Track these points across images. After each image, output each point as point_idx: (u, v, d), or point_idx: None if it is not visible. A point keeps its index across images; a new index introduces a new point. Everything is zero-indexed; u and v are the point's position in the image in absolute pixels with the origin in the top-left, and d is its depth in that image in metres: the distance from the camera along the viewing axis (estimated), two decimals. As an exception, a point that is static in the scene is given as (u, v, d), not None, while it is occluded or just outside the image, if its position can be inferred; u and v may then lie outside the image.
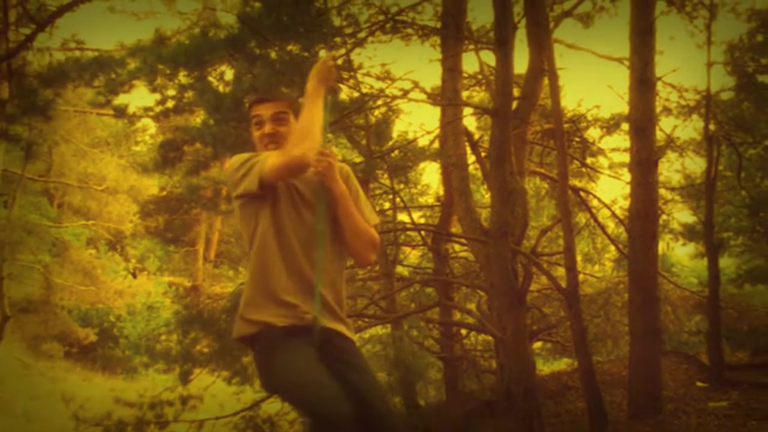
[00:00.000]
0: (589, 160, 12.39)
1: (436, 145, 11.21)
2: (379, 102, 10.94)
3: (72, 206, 25.01)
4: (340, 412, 2.46)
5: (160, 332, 16.65)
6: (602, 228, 11.60)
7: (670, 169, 13.76)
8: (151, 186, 22.31)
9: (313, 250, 2.78)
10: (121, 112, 11.31)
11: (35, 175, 21.02)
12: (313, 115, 2.78)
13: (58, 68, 9.08)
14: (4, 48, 9.46)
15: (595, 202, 11.70)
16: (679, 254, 19.48)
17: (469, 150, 10.27)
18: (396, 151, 11.74)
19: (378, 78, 11.16)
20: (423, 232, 12.25)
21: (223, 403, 9.31)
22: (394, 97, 10.71)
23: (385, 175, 12.28)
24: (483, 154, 10.37)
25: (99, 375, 21.29)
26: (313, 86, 2.86)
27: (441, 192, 13.30)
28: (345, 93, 10.00)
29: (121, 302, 21.55)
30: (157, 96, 9.98)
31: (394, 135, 12.81)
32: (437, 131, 10.80)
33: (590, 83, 29.16)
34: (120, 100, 10.68)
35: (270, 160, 2.73)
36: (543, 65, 8.99)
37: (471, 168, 11.00)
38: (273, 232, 2.78)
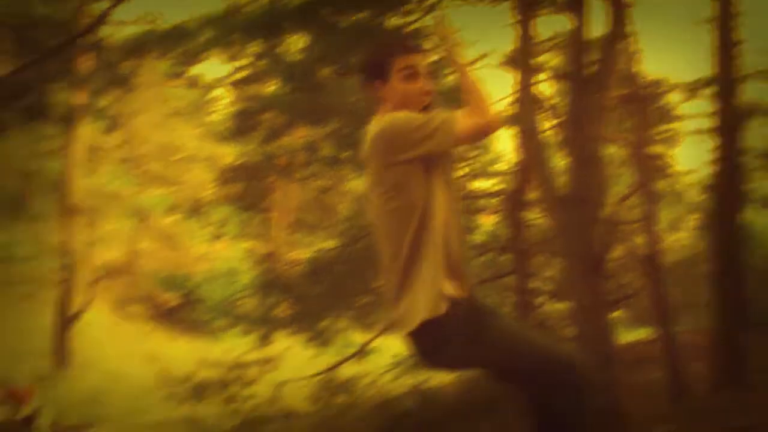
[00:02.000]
0: (669, 126, 12.14)
1: (511, 111, 11.12)
2: (452, 68, 10.87)
3: (152, 174, 25.64)
4: (580, 354, 2.45)
5: (239, 296, 17.09)
6: (683, 195, 11.39)
7: (755, 136, 13.35)
8: (228, 154, 22.64)
9: (456, 215, 2.69)
10: (195, 83, 11.52)
11: (116, 144, 21.61)
12: (474, 76, 2.65)
13: (137, 41, 9.30)
14: (85, 23, 9.69)
15: (675, 169, 11.48)
16: (765, 223, 18.97)
17: (545, 116, 10.17)
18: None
19: (451, 43, 11.08)
20: (498, 199, 12.20)
21: (301, 365, 9.53)
22: (468, 63, 10.65)
23: (460, 142, 12.24)
24: (560, 120, 10.25)
25: (182, 337, 21.92)
26: (454, 51, 2.72)
27: (516, 159, 13.21)
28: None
29: (202, 267, 22.11)
30: (231, 66, 10.15)
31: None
32: (512, 97, 10.72)
33: (670, 47, 28.24)
34: (195, 70, 10.88)
35: (463, 120, 2.55)
36: (621, 28, 8.82)
37: (548, 134, 10.90)
38: (446, 200, 2.65)
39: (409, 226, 2.57)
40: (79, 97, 15.89)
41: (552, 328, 11.63)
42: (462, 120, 2.55)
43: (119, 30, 16.35)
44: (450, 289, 2.56)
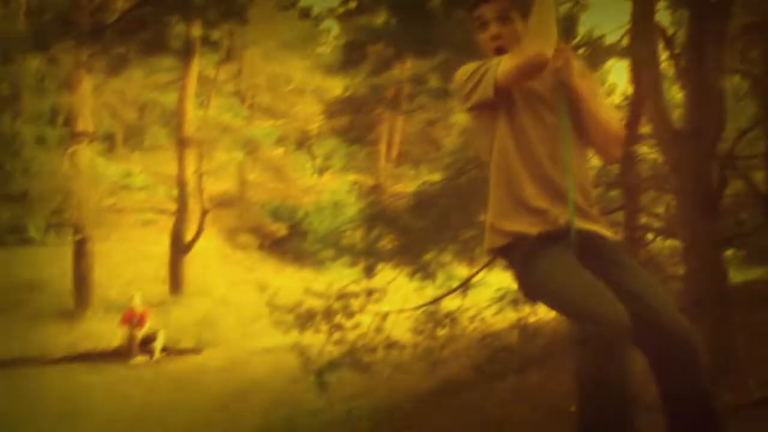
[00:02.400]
0: (795, 55, 11.41)
1: (626, 41, 10.68)
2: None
3: (262, 106, 26.09)
4: (619, 314, 2.26)
5: (345, 228, 17.29)
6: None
7: None
8: (336, 86, 22.76)
9: (557, 151, 2.62)
10: (306, 14, 11.52)
11: (228, 77, 22.00)
12: (545, 9, 2.53)
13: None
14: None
15: (800, 101, 10.82)
16: None
17: (661, 46, 9.71)
18: (582, 49, 11.31)
19: (564, -29, 10.70)
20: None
21: (405, 297, 9.61)
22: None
23: (571, 74, 11.88)
24: (677, 51, 9.79)
25: (290, 266, 22.47)
26: None
27: (629, 91, 12.74)
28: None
29: (309, 199, 22.50)
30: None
31: (580, 32, 12.29)
32: (627, 26, 10.27)
33: (801, -30, 26.39)
34: (305, 1, 10.87)
35: (503, 64, 2.54)
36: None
37: (663, 65, 10.43)
38: (513, 139, 2.63)
39: (486, 165, 2.75)
40: (195, 30, 16.18)
41: (661, 266, 11.33)
42: (504, 64, 2.53)
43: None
44: (512, 224, 2.60)
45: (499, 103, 2.62)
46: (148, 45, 8.86)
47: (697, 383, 2.47)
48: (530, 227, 2.57)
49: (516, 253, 2.60)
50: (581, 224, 2.58)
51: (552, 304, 2.62)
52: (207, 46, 13.40)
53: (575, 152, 2.66)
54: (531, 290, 2.63)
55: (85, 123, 16.24)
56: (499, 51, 2.68)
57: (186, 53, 11.11)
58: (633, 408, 2.35)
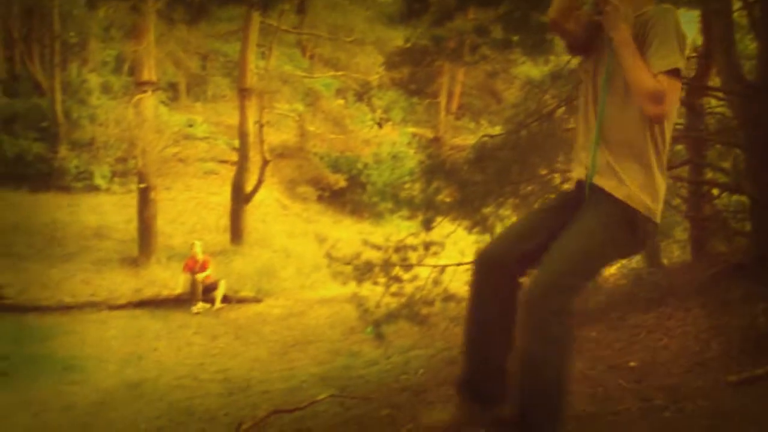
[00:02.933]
0: None
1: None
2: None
3: (322, 57, 26.02)
4: (486, 251, 2.85)
5: (404, 180, 17.24)
6: None
7: None
8: (397, 37, 22.49)
9: (591, 105, 2.73)
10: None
11: (289, 27, 21.93)
12: (630, 66, 2.55)
13: None
14: None
15: None
16: None
17: (734, -5, 9.36)
18: (651, -1, 10.99)
19: None
20: (676, 86, 11.52)
21: (463, 251, 9.57)
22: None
23: (637, 24, 11.56)
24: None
25: (348, 218, 22.60)
26: (618, 36, 2.58)
27: (699, 42, 12.35)
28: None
29: (368, 151, 22.46)
30: (404, -55, 9.87)
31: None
32: (699, -25, 9.91)
33: None
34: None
35: None
36: None
37: (736, 15, 10.06)
38: (583, 87, 2.81)
39: None
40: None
41: (726, 221, 11.07)
42: None
43: None
44: (572, 170, 2.83)
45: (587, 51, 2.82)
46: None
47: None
48: (575, 173, 2.82)
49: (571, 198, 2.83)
50: (597, 179, 2.67)
51: None
52: None
53: (623, 106, 2.65)
54: None
55: (149, 72, 16.41)
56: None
57: (263, 4, 11.07)
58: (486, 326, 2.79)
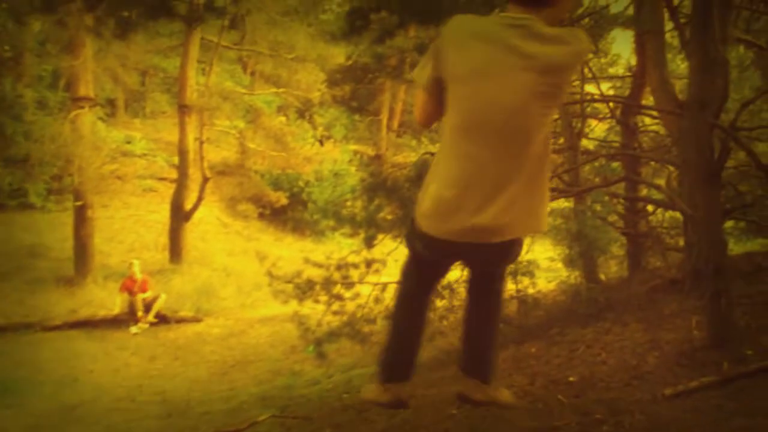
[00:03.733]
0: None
1: (631, 11, 10.57)
2: (572, -34, 10.37)
3: (264, 74, 25.91)
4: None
5: (346, 198, 17.24)
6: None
7: None
8: (338, 55, 22.58)
9: None
10: (311, -20, 11.37)
11: (230, 43, 21.81)
12: None
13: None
14: None
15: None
16: None
17: (666, 16, 9.60)
18: (586, 19, 11.20)
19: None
20: (611, 104, 11.75)
21: (404, 269, 9.57)
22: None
23: (575, 45, 11.78)
24: (682, 21, 9.69)
25: (289, 236, 22.49)
26: None
27: (633, 62, 12.65)
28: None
29: (310, 168, 22.41)
30: (346, -38, 9.94)
31: (586, 1, 12.16)
32: (633, -4, 10.16)
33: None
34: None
35: None
36: None
37: (668, 36, 10.33)
38: None
39: (546, 145, 2.78)
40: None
41: (661, 237, 11.31)
42: None
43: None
44: None
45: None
46: (154, 10, 8.71)
47: None
48: None
49: None
50: None
51: None
52: (211, 12, 13.17)
53: None
54: None
55: (86, 88, 16.15)
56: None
57: (192, 19, 10.92)
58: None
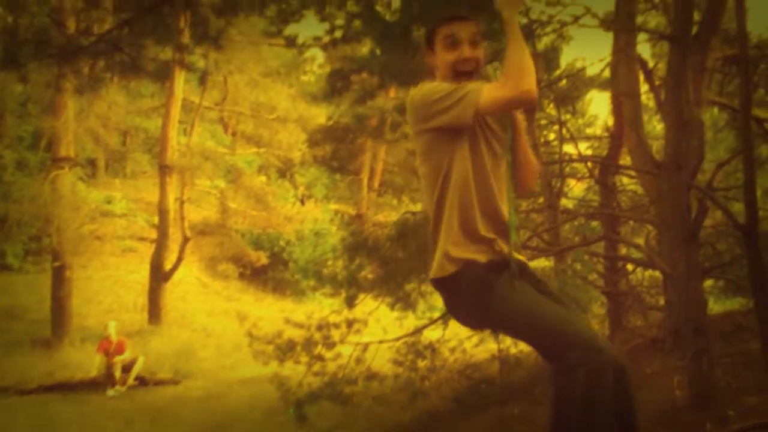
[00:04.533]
0: (774, 90, 11.51)
1: (607, 73, 10.78)
2: (548, 29, 10.58)
3: (245, 134, 26.08)
4: (603, 341, 2.48)
5: (326, 257, 17.21)
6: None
7: None
8: (319, 115, 22.81)
9: (503, 183, 2.70)
10: (291, 42, 11.53)
11: (211, 103, 21.98)
12: (524, 47, 2.57)
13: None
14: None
15: (779, 135, 10.88)
16: None
17: (642, 78, 9.79)
18: (564, 80, 11.40)
19: (548, 4, 10.77)
20: (590, 164, 11.88)
21: (386, 328, 9.54)
22: (564, 24, 10.31)
23: (552, 105, 11.97)
24: (657, 83, 9.87)
25: (270, 296, 22.35)
26: (509, 14, 2.62)
27: (610, 123, 12.82)
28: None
29: (290, 228, 22.41)
30: (326, 25, 10.07)
31: (563, 63, 12.39)
32: (608, 59, 10.35)
33: (779, 6, 26.81)
34: (291, 30, 10.86)
35: (490, 92, 2.52)
36: (728, -14, 8.37)
37: (644, 97, 10.52)
38: (471, 167, 2.66)
39: (434, 191, 2.68)
40: (177, 55, 16.19)
41: (641, 296, 11.33)
42: (489, 92, 2.52)
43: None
44: (463, 252, 2.62)
45: (464, 130, 2.63)
46: (124, 68, 8.81)
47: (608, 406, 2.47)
48: (479, 255, 2.63)
49: (464, 281, 2.63)
50: (516, 254, 2.67)
51: (522, 332, 2.73)
52: (189, 71, 13.29)
53: (510, 184, 2.74)
54: (491, 318, 2.70)
55: (67, 148, 16.15)
56: (464, 75, 2.68)
57: (164, 76, 11.01)
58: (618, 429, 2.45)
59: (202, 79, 19.31)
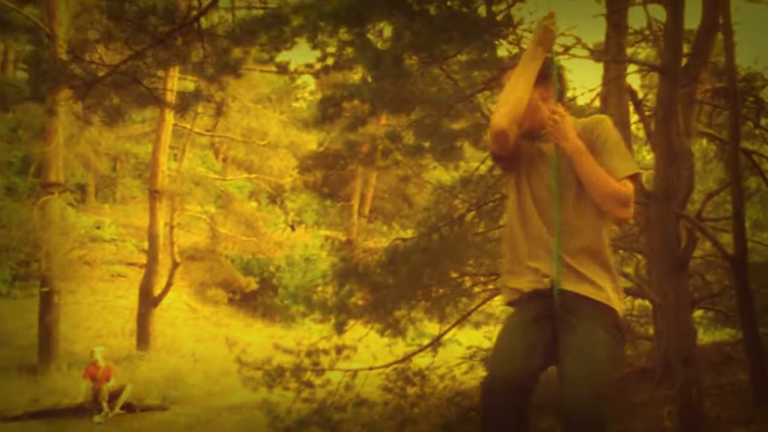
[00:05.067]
0: (763, 122, 11.61)
1: (597, 103, 10.85)
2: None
3: (236, 160, 26.12)
4: (503, 371, 2.58)
5: (316, 283, 17.18)
6: (774, 194, 10.90)
7: None
8: (310, 141, 22.88)
9: (551, 209, 2.71)
10: (283, 69, 11.60)
11: (202, 130, 22.01)
12: (520, 80, 2.68)
13: (246, 27, 9.34)
14: (186, 6, 9.74)
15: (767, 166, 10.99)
16: None
17: (632, 109, 9.88)
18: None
19: (538, 34, 10.88)
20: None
21: (375, 354, 9.52)
22: (555, 54, 10.39)
23: (543, 134, 12.04)
24: (647, 114, 9.96)
25: (259, 321, 22.26)
26: (531, 49, 2.76)
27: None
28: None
29: (281, 253, 22.39)
30: (318, 53, 10.15)
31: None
32: (599, 89, 10.45)
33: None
34: (282, 57, 10.94)
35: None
36: (717, 19, 8.48)
37: (633, 128, 10.61)
38: (515, 196, 2.79)
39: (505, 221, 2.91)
40: (171, 83, 16.23)
41: (631, 326, 11.35)
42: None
43: (217, 15, 16.59)
44: (514, 281, 2.74)
45: (513, 163, 2.80)
46: (143, 98, 8.83)
47: None
48: (525, 284, 2.70)
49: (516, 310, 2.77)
50: (568, 285, 2.63)
51: None
52: (202, 100, 13.33)
53: (578, 211, 2.71)
54: None
55: (56, 173, 16.11)
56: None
57: (182, 108, 11.09)
58: None
59: (218, 111, 19.38)
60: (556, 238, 2.66)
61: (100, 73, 7.83)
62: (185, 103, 9.95)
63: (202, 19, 7.99)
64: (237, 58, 8.90)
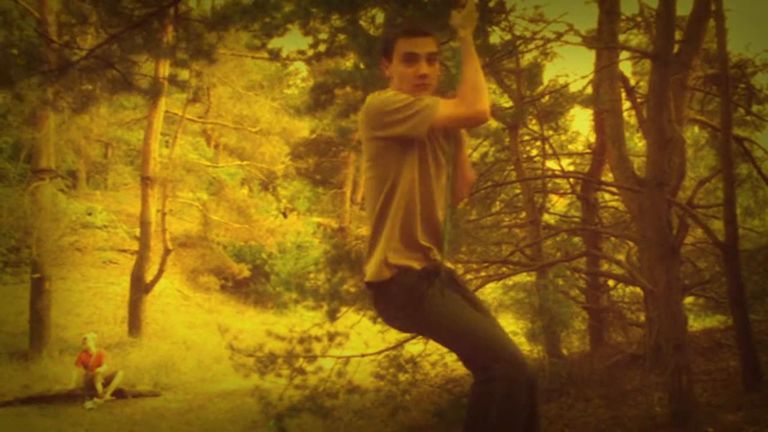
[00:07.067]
0: (755, 108, 11.64)
1: (589, 90, 10.87)
2: (532, 45, 10.67)
3: (228, 147, 26.06)
4: (524, 358, 2.62)
5: (309, 270, 17.17)
6: (766, 180, 10.93)
7: None
8: (302, 128, 22.83)
9: (442, 193, 2.83)
10: (275, 56, 11.54)
11: (194, 116, 21.93)
12: (478, 66, 2.71)
13: (221, 12, 9.29)
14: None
15: (759, 153, 11.01)
16: None
17: (624, 96, 9.88)
18: (547, 97, 11.49)
19: (531, 20, 10.87)
20: (572, 180, 11.97)
21: (368, 342, 9.53)
22: (548, 40, 10.40)
23: (535, 121, 12.05)
24: (639, 100, 9.97)
25: (251, 308, 22.26)
26: (465, 33, 2.79)
27: (592, 139, 12.93)
28: (497, 36, 9.81)
29: (273, 240, 22.38)
30: (310, 39, 10.08)
31: (546, 80, 12.48)
32: (591, 76, 10.45)
33: (760, 26, 27.13)
34: (274, 43, 10.87)
35: (446, 108, 2.65)
36: (709, 6, 8.48)
37: (625, 115, 10.61)
38: (418, 177, 2.76)
39: (378, 196, 2.78)
40: (163, 70, 16.15)
41: (622, 312, 11.39)
42: (445, 108, 2.65)
43: (201, 2, 16.51)
44: (400, 258, 2.73)
45: (418, 139, 2.75)
46: (115, 84, 8.75)
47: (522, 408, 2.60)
48: (414, 262, 2.74)
49: (396, 286, 2.74)
50: (447, 263, 2.85)
51: (449, 339, 2.80)
52: (175, 86, 13.30)
53: (449, 195, 2.87)
54: (413, 319, 2.80)
55: (47, 160, 16.05)
56: (420, 89, 2.78)
57: (154, 93, 10.98)
58: None
59: (194, 96, 19.31)
60: (446, 219, 2.83)
61: (74, 58, 7.77)
62: (157, 89, 9.88)
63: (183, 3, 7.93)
64: (211, 44, 8.85)
